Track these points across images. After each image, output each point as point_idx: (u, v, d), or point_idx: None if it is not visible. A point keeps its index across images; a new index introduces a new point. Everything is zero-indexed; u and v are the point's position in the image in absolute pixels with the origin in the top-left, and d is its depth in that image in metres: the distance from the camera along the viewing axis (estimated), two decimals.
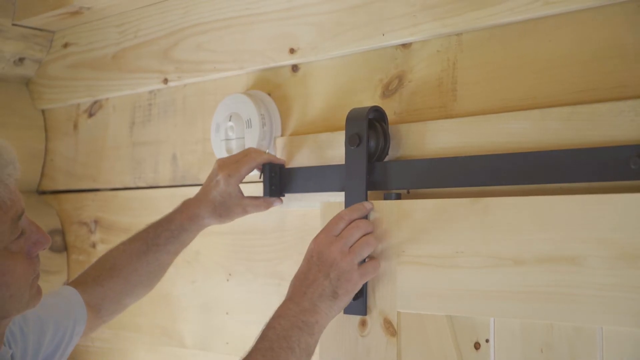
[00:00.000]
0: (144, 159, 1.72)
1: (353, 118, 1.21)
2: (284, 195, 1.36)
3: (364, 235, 1.14)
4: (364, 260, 1.15)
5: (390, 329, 1.17)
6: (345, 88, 1.35)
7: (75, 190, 1.90)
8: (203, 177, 1.58)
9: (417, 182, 1.18)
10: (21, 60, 1.91)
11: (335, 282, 1.09)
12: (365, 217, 1.18)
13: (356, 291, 1.13)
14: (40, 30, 1.88)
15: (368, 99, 1.31)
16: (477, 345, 1.12)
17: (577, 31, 1.08)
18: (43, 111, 1.98)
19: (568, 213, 1.00)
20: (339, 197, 1.27)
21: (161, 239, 1.33)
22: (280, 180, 1.34)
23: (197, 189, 1.59)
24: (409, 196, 1.22)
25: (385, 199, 1.21)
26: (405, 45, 1.27)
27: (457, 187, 1.15)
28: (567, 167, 1.02)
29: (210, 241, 1.54)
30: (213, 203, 1.32)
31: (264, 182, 1.33)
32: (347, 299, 1.11)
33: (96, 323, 1.33)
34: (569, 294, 0.99)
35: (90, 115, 1.86)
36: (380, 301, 1.18)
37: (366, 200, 1.20)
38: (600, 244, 0.97)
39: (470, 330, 1.12)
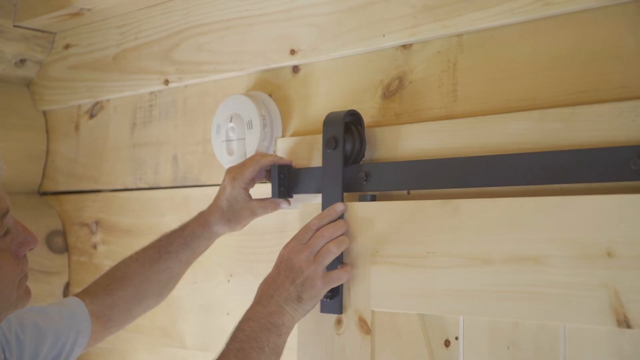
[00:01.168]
0: (144, 160, 1.72)
1: (330, 122, 1.24)
2: (292, 197, 1.35)
3: (329, 242, 1.19)
4: (337, 266, 1.20)
5: (365, 327, 1.20)
6: (345, 89, 1.35)
7: (76, 191, 1.90)
8: (204, 178, 1.59)
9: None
10: (22, 61, 1.91)
11: (300, 288, 1.15)
12: (342, 216, 1.22)
13: (321, 297, 1.18)
14: (42, 31, 1.89)
15: (368, 100, 1.31)
16: (447, 343, 1.15)
17: (578, 32, 1.09)
18: (44, 112, 1.98)
19: (532, 214, 1.04)
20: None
21: (173, 246, 1.34)
22: (288, 181, 1.34)
23: (197, 190, 1.60)
24: (410, 197, 1.22)
25: (360, 200, 1.24)
26: (405, 46, 1.27)
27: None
28: (567, 168, 1.02)
29: None
30: (221, 208, 1.32)
31: (272, 183, 1.32)
32: (312, 303, 1.17)
33: (103, 334, 1.33)
34: (533, 293, 1.02)
35: (91, 116, 1.86)
36: (355, 300, 1.21)
37: (342, 201, 1.23)
38: (562, 244, 1.01)
39: (440, 328, 1.16)
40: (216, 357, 1.09)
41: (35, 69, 1.94)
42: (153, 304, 1.38)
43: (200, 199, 1.55)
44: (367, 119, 1.30)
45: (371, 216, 1.20)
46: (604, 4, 1.05)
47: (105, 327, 1.32)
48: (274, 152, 1.42)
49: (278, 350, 1.13)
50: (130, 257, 1.36)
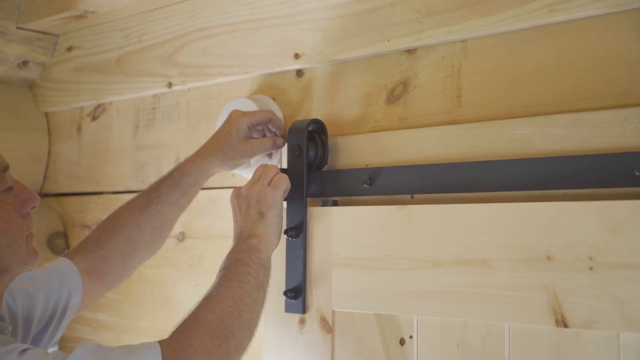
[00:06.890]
0: (147, 163, 1.72)
1: (294, 130, 1.30)
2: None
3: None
4: None
5: (326, 326, 1.26)
6: (349, 93, 1.35)
7: (78, 193, 1.90)
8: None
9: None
10: (25, 63, 1.91)
11: (256, 205, 1.20)
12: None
13: (278, 205, 1.21)
14: (45, 33, 1.89)
15: (372, 105, 1.32)
16: (402, 341, 1.20)
17: (582, 38, 1.09)
18: (46, 114, 1.98)
19: (479, 220, 1.09)
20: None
21: (163, 189, 1.33)
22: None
23: (200, 193, 1.58)
24: (412, 201, 1.23)
25: (322, 205, 1.28)
26: (410, 51, 1.27)
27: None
28: (571, 173, 1.03)
29: (213, 245, 1.55)
30: (219, 141, 1.32)
31: None
32: (274, 214, 1.20)
33: (99, 290, 1.32)
34: (479, 294, 1.08)
35: (94, 118, 1.87)
36: (317, 300, 1.27)
37: (305, 207, 1.28)
38: (505, 248, 1.06)
39: (396, 327, 1.21)
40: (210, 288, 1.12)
41: (38, 70, 1.94)
42: (145, 254, 1.36)
43: (202, 202, 1.56)
44: (371, 124, 1.31)
45: (333, 220, 1.25)
46: (608, 11, 1.06)
47: (99, 283, 1.31)
48: (279, 156, 1.43)
49: (263, 264, 1.15)
50: (121, 208, 1.35)
